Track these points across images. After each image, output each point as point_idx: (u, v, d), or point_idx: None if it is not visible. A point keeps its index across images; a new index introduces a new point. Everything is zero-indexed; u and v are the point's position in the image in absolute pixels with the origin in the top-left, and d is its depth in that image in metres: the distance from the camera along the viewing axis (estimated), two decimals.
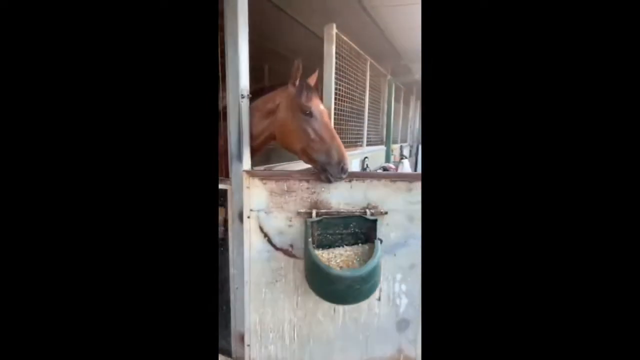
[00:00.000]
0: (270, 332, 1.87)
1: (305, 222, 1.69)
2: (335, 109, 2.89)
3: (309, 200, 1.77)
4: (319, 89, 1.95)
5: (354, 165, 3.38)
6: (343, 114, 3.14)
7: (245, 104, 1.73)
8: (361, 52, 3.36)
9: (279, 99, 1.77)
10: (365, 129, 3.75)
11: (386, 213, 1.80)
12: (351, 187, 1.78)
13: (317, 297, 1.82)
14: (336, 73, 2.84)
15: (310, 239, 1.56)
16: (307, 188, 1.75)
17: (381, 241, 1.58)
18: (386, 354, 1.95)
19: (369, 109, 3.93)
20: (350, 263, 1.62)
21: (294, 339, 1.88)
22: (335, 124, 3.06)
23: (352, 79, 3.24)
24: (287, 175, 1.74)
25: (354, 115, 3.45)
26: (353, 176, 1.77)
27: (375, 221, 1.73)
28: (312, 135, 1.63)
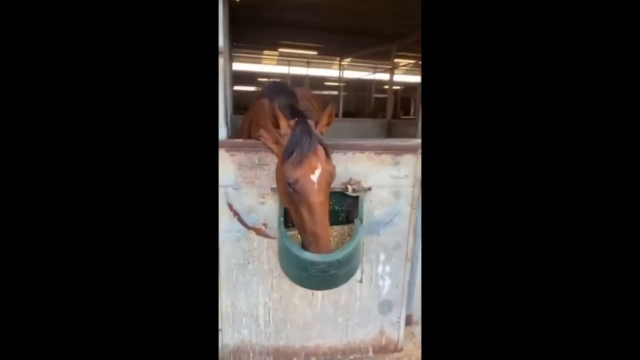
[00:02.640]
0: (244, 316, 1.73)
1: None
2: None
3: None
4: (329, 124, 1.39)
5: None
6: None
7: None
8: None
9: (279, 141, 1.33)
10: None
11: (369, 189, 1.62)
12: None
13: None
14: None
15: (282, 218, 1.38)
16: None
17: (361, 221, 1.41)
18: (368, 336, 1.85)
19: None
20: None
21: (269, 322, 1.75)
22: None
23: None
24: (257, 146, 1.52)
25: None
26: (332, 147, 1.57)
27: (356, 198, 1.56)
28: (292, 207, 1.27)
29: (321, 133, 1.32)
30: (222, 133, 1.55)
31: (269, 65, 10.26)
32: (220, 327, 1.73)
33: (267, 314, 1.74)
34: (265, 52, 8.55)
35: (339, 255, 1.23)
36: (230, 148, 1.52)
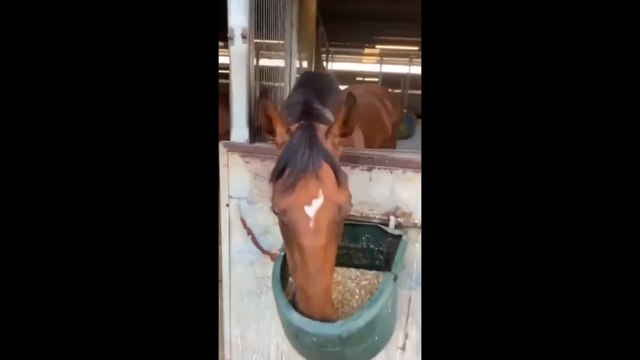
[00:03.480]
0: (254, 352, 1.46)
1: None
2: None
3: None
4: (348, 132, 0.91)
5: None
6: None
7: (236, 49, 1.23)
8: None
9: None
10: None
11: None
12: (370, 179, 1.15)
13: None
14: None
15: (283, 253, 1.03)
16: None
17: (396, 278, 0.93)
18: None
19: None
20: (347, 301, 1.04)
21: None
22: None
23: None
24: (275, 153, 1.20)
25: None
26: (374, 163, 1.13)
27: (399, 237, 1.08)
28: (286, 243, 0.91)
29: (333, 145, 0.90)
30: (243, 135, 1.29)
31: (369, 64, 9.93)
32: (227, 357, 1.50)
33: (280, 358, 1.42)
34: (366, 50, 8.23)
35: (340, 329, 0.80)
36: (245, 153, 1.24)
